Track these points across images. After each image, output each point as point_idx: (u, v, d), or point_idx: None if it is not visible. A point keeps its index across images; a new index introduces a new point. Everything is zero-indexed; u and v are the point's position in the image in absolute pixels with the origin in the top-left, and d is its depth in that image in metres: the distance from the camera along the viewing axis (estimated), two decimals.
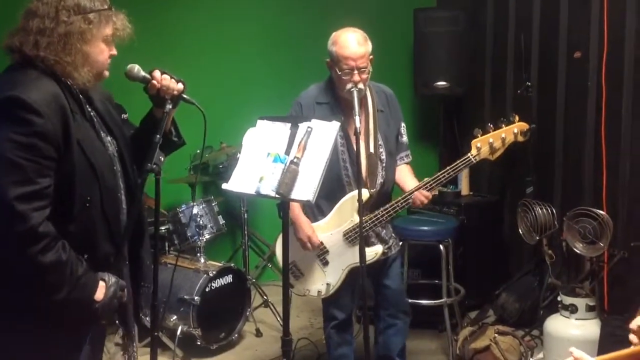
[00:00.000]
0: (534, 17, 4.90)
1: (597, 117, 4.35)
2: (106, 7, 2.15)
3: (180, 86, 2.32)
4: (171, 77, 2.30)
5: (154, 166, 2.22)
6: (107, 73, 2.24)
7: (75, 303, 2.05)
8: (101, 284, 2.12)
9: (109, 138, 2.27)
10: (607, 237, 3.71)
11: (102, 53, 2.16)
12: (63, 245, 2.01)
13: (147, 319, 3.70)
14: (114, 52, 2.22)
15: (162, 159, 2.27)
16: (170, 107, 2.31)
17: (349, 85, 3.09)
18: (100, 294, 2.10)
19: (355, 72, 3.09)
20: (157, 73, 2.29)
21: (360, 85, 3.10)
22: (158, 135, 2.25)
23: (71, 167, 2.04)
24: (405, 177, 3.42)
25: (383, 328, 3.58)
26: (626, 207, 4.21)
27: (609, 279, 4.16)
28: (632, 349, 1.94)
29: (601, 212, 3.78)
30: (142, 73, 2.29)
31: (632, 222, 4.16)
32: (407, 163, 3.49)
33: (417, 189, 3.21)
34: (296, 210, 3.26)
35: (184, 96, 2.34)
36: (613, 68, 4.24)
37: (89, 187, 2.09)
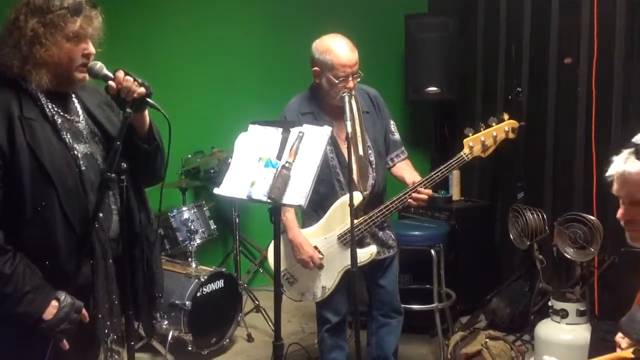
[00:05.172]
0: (524, 23, 4.91)
1: (587, 123, 4.35)
2: (65, 6, 2.06)
3: (141, 90, 2.15)
4: (134, 80, 2.15)
5: (113, 175, 2.10)
6: (81, 75, 2.15)
7: (20, 318, 2.00)
8: (53, 303, 2.03)
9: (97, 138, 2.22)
10: (597, 242, 3.70)
11: (69, 53, 2.08)
12: (11, 258, 1.96)
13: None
14: (90, 49, 2.13)
15: (125, 165, 2.14)
16: (130, 111, 2.15)
17: (343, 92, 3.11)
18: (49, 313, 2.02)
19: (350, 78, 3.13)
20: (120, 73, 2.15)
21: (353, 91, 3.15)
22: (118, 142, 2.11)
23: (19, 171, 1.98)
24: (406, 172, 3.40)
25: (376, 328, 3.58)
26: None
27: (600, 284, 4.16)
28: (614, 354, 1.95)
29: (591, 217, 3.77)
30: (104, 71, 2.17)
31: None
32: (404, 159, 3.48)
33: (410, 191, 3.20)
34: (295, 230, 3.26)
35: (148, 100, 2.19)
36: (603, 74, 4.25)
37: (43, 190, 2.02)
